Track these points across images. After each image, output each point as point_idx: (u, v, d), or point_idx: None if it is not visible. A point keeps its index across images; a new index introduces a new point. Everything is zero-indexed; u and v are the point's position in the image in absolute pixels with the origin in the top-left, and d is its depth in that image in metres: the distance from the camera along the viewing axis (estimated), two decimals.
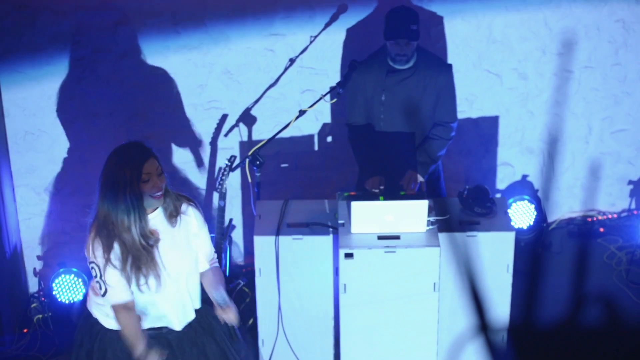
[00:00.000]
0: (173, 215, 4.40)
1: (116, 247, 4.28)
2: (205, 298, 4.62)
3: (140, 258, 4.29)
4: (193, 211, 4.49)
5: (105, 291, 4.33)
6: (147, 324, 4.48)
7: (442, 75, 5.63)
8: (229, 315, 4.44)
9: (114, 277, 4.30)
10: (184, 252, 4.44)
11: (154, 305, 4.45)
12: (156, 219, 4.37)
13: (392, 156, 5.74)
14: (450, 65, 5.70)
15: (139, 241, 4.27)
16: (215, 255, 4.65)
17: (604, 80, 6.57)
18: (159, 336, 4.51)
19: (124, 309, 4.37)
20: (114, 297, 4.34)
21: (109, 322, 4.47)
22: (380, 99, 5.66)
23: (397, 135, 5.71)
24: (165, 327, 4.53)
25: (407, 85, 5.62)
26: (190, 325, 4.58)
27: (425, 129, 5.73)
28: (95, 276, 4.34)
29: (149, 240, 4.30)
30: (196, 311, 4.59)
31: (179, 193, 4.50)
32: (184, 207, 4.46)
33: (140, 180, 4.22)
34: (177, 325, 4.53)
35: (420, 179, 5.62)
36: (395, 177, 5.65)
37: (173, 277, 4.40)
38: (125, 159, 4.24)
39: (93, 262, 4.31)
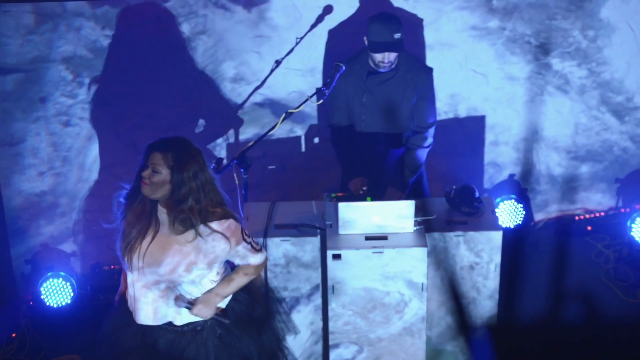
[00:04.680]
0: (179, 228, 4.28)
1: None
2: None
3: (130, 236, 4.32)
4: (215, 237, 4.30)
5: None
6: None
7: (422, 78, 5.64)
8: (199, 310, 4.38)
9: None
10: (169, 259, 4.32)
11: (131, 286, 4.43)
12: (162, 215, 4.32)
13: (374, 157, 5.75)
14: (430, 69, 5.71)
15: (132, 226, 4.33)
16: (250, 263, 4.46)
17: (590, 79, 6.59)
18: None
19: None
20: None
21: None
22: (361, 100, 5.67)
23: (380, 136, 5.72)
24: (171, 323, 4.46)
25: (388, 87, 5.63)
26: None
27: (406, 130, 5.74)
28: None
29: (142, 230, 4.33)
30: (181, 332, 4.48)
31: (221, 212, 4.31)
32: (202, 229, 4.27)
33: (142, 169, 4.25)
34: (142, 319, 4.44)
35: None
36: (379, 177, 5.65)
37: (147, 274, 4.33)
38: (149, 144, 4.29)
39: None
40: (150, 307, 4.40)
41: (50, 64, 6.16)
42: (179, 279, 4.34)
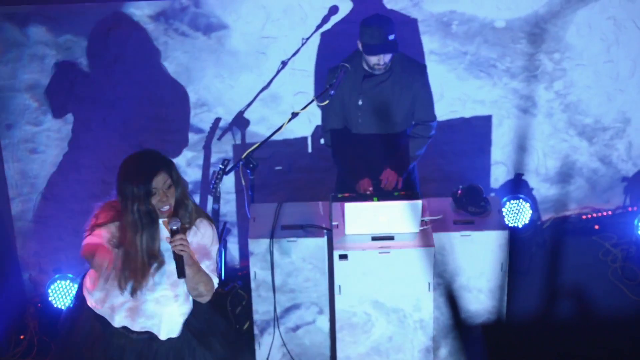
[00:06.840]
0: (184, 228, 4.23)
1: (117, 251, 4.20)
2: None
3: (134, 267, 4.18)
4: (205, 226, 4.30)
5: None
6: (135, 326, 4.37)
7: (417, 77, 5.63)
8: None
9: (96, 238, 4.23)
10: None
11: (135, 308, 4.33)
12: (164, 228, 4.23)
13: (372, 158, 5.73)
14: (424, 66, 5.71)
15: (142, 257, 4.16)
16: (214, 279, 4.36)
17: (597, 78, 6.58)
18: (140, 341, 4.40)
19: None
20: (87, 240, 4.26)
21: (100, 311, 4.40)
22: (357, 104, 5.65)
23: (376, 137, 5.71)
24: (148, 333, 4.39)
25: (384, 88, 5.61)
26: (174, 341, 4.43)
27: (403, 131, 5.73)
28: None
29: (152, 261, 4.19)
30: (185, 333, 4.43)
31: (199, 207, 4.34)
32: (198, 221, 4.29)
33: (149, 196, 4.10)
34: (163, 334, 4.39)
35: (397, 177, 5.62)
36: (376, 179, 5.65)
37: (158, 286, 4.29)
38: (133, 173, 4.09)
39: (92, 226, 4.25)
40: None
41: (15, 93, 6.17)
42: (142, 297, 4.29)
